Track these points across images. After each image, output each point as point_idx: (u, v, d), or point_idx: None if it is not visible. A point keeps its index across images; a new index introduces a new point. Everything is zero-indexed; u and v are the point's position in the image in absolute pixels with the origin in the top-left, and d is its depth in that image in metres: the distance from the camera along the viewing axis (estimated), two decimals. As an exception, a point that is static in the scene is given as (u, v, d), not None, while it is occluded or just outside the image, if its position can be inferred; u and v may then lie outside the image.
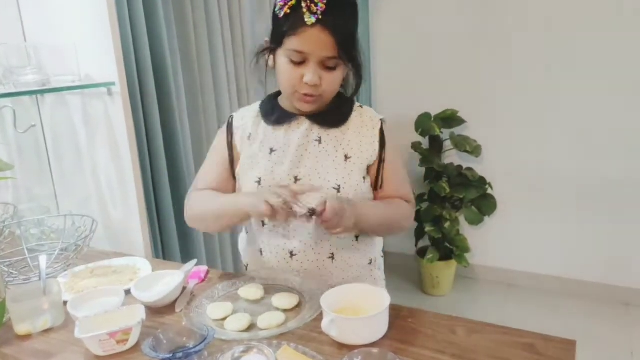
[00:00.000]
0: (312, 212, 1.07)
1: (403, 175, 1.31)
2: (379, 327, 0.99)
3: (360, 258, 1.30)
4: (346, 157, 1.22)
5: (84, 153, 1.56)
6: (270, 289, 1.21)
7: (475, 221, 3.18)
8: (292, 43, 1.10)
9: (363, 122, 1.25)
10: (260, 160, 1.23)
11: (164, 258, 1.87)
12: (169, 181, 1.83)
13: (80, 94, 1.52)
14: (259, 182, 1.21)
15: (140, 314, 1.05)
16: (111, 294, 1.18)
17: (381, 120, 1.26)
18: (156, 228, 1.81)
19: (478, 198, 3.10)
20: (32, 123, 1.58)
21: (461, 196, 3.05)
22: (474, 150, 3.05)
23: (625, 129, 2.78)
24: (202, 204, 1.25)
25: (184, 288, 1.24)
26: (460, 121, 3.09)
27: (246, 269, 1.37)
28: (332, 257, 1.25)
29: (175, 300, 1.19)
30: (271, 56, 1.19)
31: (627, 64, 2.71)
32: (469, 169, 3.12)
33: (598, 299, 2.99)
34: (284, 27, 1.11)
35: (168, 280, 1.24)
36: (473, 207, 3.16)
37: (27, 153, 1.67)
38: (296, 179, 1.20)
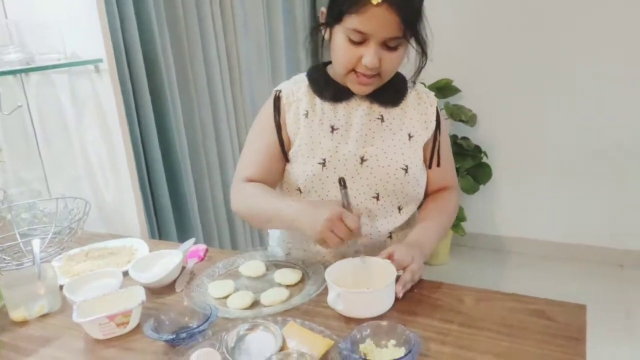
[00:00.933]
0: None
1: (451, 157, 1.28)
2: (386, 300, 0.97)
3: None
4: (409, 136, 1.17)
5: (73, 133, 1.51)
6: (272, 265, 1.19)
7: (470, 190, 3.16)
8: (352, 22, 1.01)
9: (420, 100, 1.21)
10: (322, 139, 1.14)
11: (160, 238, 1.84)
12: (162, 159, 1.79)
13: (67, 72, 1.47)
14: (323, 164, 1.12)
15: (140, 295, 1.02)
16: (108, 276, 1.15)
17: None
18: (151, 207, 1.78)
19: (473, 167, 3.08)
20: (18, 104, 1.53)
21: (457, 165, 3.03)
22: (469, 119, 3.02)
23: (623, 95, 2.76)
24: (251, 202, 1.12)
25: (183, 267, 1.21)
26: (454, 90, 3.05)
27: (290, 254, 1.24)
28: (390, 236, 1.22)
29: (175, 280, 1.16)
30: (327, 30, 1.09)
31: (626, 24, 2.66)
32: (464, 138, 3.09)
33: (593, 262, 3.01)
34: (344, 3, 1.01)
35: (166, 260, 1.21)
36: (468, 176, 3.14)
37: (14, 135, 1.62)
38: (362, 160, 1.13)
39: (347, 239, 0.96)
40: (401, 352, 0.83)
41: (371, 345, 0.85)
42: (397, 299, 0.99)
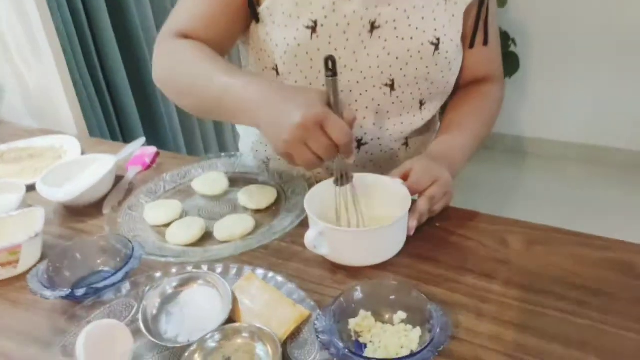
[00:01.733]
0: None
1: (499, 36, 0.90)
2: (394, 241, 0.65)
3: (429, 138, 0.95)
4: None
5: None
6: (239, 179, 0.86)
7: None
8: None
9: None
10: None
11: (125, 141, 1.49)
12: (116, 37, 1.40)
13: None
14: (313, 29, 0.75)
15: (38, 223, 0.70)
16: (9, 190, 0.83)
17: None
18: (107, 100, 1.41)
19: (500, 57, 2.65)
20: None
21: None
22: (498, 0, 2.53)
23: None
24: (185, 70, 0.74)
25: (121, 179, 0.89)
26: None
27: (266, 166, 0.88)
28: (406, 143, 0.90)
29: (105, 198, 0.84)
30: None
31: None
32: (493, 21, 2.62)
33: (624, 167, 2.68)
34: None
35: (95, 169, 0.89)
36: (494, 68, 2.72)
37: None
38: (373, 26, 0.76)
39: (327, 158, 0.61)
40: (415, 335, 0.52)
41: (368, 319, 0.55)
42: (408, 238, 0.67)
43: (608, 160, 2.73)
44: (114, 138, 1.44)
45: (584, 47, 2.58)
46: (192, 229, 0.72)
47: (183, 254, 0.68)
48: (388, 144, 0.87)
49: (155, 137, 1.58)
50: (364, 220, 0.68)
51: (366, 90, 0.80)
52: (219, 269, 0.63)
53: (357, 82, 0.79)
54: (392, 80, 0.80)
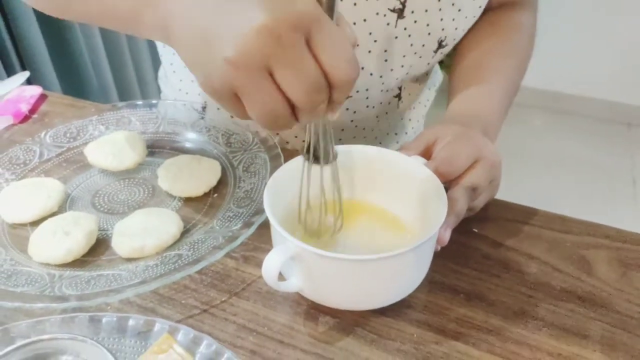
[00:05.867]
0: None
1: None
2: (412, 274, 0.38)
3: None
4: None
5: None
6: (164, 144, 0.56)
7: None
8: None
9: None
10: None
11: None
12: None
13: None
14: None
15: None
16: None
17: None
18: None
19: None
20: None
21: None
22: None
23: None
24: None
25: (-21, 136, 0.57)
26: None
27: (203, 111, 0.59)
28: (399, 95, 0.62)
29: (-54, 168, 0.53)
30: None
31: None
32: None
33: (597, 118, 2.50)
34: None
35: None
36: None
37: None
38: None
39: (306, 102, 0.29)
40: None
41: None
42: (434, 255, 0.40)
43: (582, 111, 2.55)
44: (7, 69, 1.08)
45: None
46: (75, 234, 0.43)
47: (44, 293, 0.39)
48: (377, 97, 0.59)
49: (67, 71, 1.22)
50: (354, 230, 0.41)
51: (364, 20, 0.51)
52: (109, 325, 0.35)
53: (354, 4, 0.49)
54: (404, 3, 0.51)
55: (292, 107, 0.30)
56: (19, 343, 0.31)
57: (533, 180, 2.05)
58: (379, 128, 0.65)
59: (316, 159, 0.36)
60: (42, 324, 0.35)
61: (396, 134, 0.69)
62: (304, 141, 0.37)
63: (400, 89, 0.62)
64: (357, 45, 0.38)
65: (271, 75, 0.29)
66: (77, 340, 0.32)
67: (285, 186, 0.40)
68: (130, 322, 0.35)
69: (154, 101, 0.60)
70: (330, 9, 0.30)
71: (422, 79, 0.65)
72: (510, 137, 2.29)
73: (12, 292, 0.37)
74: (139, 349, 0.33)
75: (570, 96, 2.54)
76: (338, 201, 0.39)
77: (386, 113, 0.64)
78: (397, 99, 0.63)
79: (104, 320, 0.35)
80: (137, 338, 0.34)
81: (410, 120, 0.70)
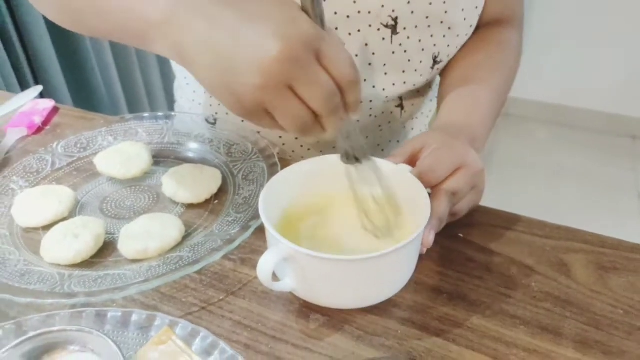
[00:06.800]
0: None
1: None
2: (399, 274, 0.41)
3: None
4: None
5: None
6: (169, 154, 0.59)
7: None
8: None
9: None
10: None
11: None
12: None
13: None
14: None
15: None
16: None
17: None
18: (14, 42, 1.08)
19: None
20: None
21: None
22: None
23: None
24: None
25: (-5, 146, 0.61)
26: None
27: (214, 121, 0.62)
28: (401, 105, 0.65)
29: (-35, 176, 0.56)
30: None
31: None
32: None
33: (601, 131, 2.50)
34: None
35: (-49, 132, 0.60)
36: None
37: None
38: None
39: (327, 108, 0.36)
40: None
41: None
42: (419, 259, 0.43)
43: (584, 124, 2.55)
44: (21, 83, 1.13)
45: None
46: (84, 236, 0.46)
47: (54, 290, 0.42)
48: (379, 106, 0.62)
49: (79, 85, 1.27)
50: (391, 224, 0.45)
51: (358, 31, 0.54)
52: (114, 319, 0.37)
53: (347, 16, 0.53)
54: (395, 20, 0.54)
55: (315, 115, 0.36)
56: (31, 334, 0.34)
57: (538, 192, 2.07)
58: (381, 136, 0.68)
59: (355, 159, 0.43)
60: (52, 318, 0.38)
61: (398, 141, 0.72)
62: (334, 147, 0.42)
63: (401, 99, 0.65)
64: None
65: (292, 89, 0.35)
66: (84, 332, 0.35)
67: (281, 192, 0.43)
68: (134, 317, 0.37)
69: (159, 113, 0.63)
70: (322, 23, 0.36)
71: (423, 91, 0.68)
72: (515, 150, 2.34)
73: (25, 289, 0.40)
74: (141, 340, 0.36)
75: (575, 109, 2.55)
76: (386, 192, 0.44)
77: (389, 122, 0.67)
78: (399, 108, 0.66)
79: (109, 315, 0.38)
80: (139, 331, 0.37)
81: (412, 129, 0.73)
